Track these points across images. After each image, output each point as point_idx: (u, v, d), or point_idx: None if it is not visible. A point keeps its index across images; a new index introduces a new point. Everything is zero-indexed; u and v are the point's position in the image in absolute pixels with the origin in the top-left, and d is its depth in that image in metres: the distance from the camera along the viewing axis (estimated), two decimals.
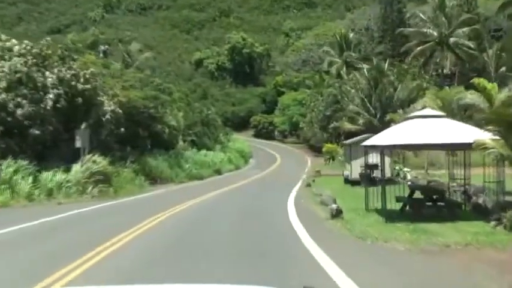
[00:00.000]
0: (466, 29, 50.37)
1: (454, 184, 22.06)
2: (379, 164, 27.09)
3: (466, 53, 50.78)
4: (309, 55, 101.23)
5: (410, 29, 56.63)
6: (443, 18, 49.80)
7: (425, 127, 14.57)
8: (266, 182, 33.69)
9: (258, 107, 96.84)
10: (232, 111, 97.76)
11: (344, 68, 71.73)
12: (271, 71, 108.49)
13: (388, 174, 27.17)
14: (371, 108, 49.86)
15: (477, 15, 58.84)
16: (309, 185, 26.86)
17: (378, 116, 49.10)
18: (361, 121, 47.61)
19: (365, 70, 51.28)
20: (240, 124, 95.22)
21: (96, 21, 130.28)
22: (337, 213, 14.29)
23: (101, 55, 59.66)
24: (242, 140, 69.93)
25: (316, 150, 68.28)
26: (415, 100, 50.38)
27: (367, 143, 16.83)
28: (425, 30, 51.22)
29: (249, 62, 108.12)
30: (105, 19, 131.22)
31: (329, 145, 60.36)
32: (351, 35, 76.18)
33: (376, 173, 27.05)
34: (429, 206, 15.75)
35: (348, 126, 49.86)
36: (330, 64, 74.24)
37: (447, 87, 29.36)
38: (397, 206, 17.28)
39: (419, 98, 50.33)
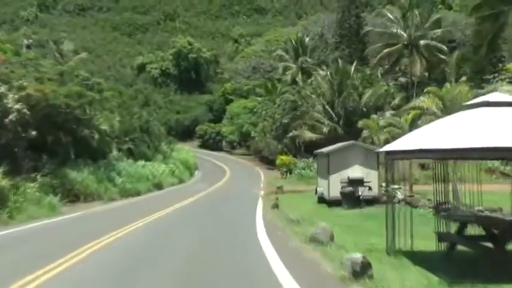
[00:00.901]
0: (438, 31, 45.92)
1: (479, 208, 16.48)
2: (365, 179, 21.24)
3: (437, 58, 46.31)
4: (259, 62, 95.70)
5: (378, 29, 51.77)
6: (416, 18, 45.11)
7: (505, 120, 8.61)
8: (217, 200, 27.16)
9: (205, 116, 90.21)
10: (176, 119, 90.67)
11: (299, 75, 66.58)
12: (219, 78, 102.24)
13: (375, 191, 21.42)
14: (334, 115, 44.46)
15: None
16: (276, 206, 20.57)
17: (341, 124, 43.80)
18: (325, 129, 42.02)
19: (328, 73, 45.90)
20: (185, 133, 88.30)
21: (29, 20, 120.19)
22: (362, 270, 8.03)
23: (24, 50, 51.75)
24: (187, 150, 63.05)
25: (268, 162, 62.34)
26: (382, 107, 45.60)
27: (396, 147, 10.60)
28: (394, 30, 46.33)
29: (196, 68, 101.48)
30: (39, 19, 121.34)
31: (283, 157, 54.81)
32: (307, 39, 71.07)
33: (361, 191, 21.19)
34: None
35: (308, 135, 44.25)
36: (285, 70, 68.86)
37: (448, 85, 23.98)
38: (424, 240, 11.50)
39: (387, 104, 45.66)
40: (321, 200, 22.82)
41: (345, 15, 70.35)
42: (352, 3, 69.27)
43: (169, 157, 48.65)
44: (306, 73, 65.19)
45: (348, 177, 20.82)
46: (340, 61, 47.26)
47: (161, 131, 58.83)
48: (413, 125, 27.44)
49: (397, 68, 53.54)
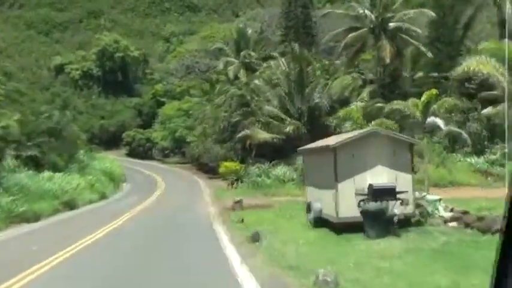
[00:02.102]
0: (411, 12, 39.00)
1: None
2: (397, 188, 13.08)
3: (409, 44, 39.44)
4: (193, 61, 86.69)
5: (339, 11, 44.36)
6: None
7: None
8: (151, 226, 18.23)
9: (133, 121, 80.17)
10: (100, 125, 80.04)
11: (242, 71, 58.49)
12: (148, 80, 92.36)
13: (409, 207, 13.40)
14: (293, 111, 36.53)
15: None
16: (255, 238, 12.09)
17: (304, 121, 35.98)
18: (287, 128, 33.93)
19: (282, 61, 37.88)
20: (111, 141, 77.96)
21: None
22: None
23: None
24: (112, 159, 53.14)
25: (209, 170, 53.63)
26: (348, 101, 38.28)
27: None
28: (361, 11, 38.92)
29: (122, 69, 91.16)
30: None
31: (228, 163, 46.51)
32: (249, 31, 63.04)
33: (393, 207, 13.09)
34: None
35: (262, 135, 36.03)
36: (226, 65, 60.53)
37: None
38: None
39: (354, 97, 38.37)
40: (319, 221, 14.46)
41: (292, 5, 63.08)
42: None
43: (87, 167, 38.86)
44: (250, 69, 57.34)
45: (371, 186, 12.68)
46: (296, 46, 39.31)
47: (79, 136, 48.88)
48: (427, 111, 19.99)
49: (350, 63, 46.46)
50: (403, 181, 13.30)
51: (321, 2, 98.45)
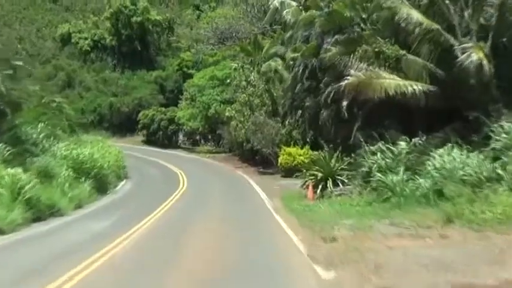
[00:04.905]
0: None
1: None
2: None
3: None
4: (231, 26, 67.07)
5: None
6: None
7: None
8: None
9: (153, 99, 61.24)
10: (110, 104, 61.34)
11: (303, 13, 39.26)
12: (174, 50, 73.60)
13: None
14: (459, 30, 16.72)
15: None
16: None
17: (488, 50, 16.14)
18: (468, 58, 14.36)
19: None
20: (123, 125, 59.55)
21: None
22: None
23: None
24: (109, 144, 34.08)
25: (260, 162, 34.64)
26: None
27: None
28: None
29: (141, 37, 72.25)
30: None
31: (291, 149, 28.14)
32: None
33: None
34: None
35: (393, 80, 16.47)
36: (281, 7, 41.26)
37: None
38: None
39: None
40: None
41: None
42: None
43: (38, 153, 19.93)
44: None
45: None
46: None
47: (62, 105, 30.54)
48: None
49: None
50: None
51: None
